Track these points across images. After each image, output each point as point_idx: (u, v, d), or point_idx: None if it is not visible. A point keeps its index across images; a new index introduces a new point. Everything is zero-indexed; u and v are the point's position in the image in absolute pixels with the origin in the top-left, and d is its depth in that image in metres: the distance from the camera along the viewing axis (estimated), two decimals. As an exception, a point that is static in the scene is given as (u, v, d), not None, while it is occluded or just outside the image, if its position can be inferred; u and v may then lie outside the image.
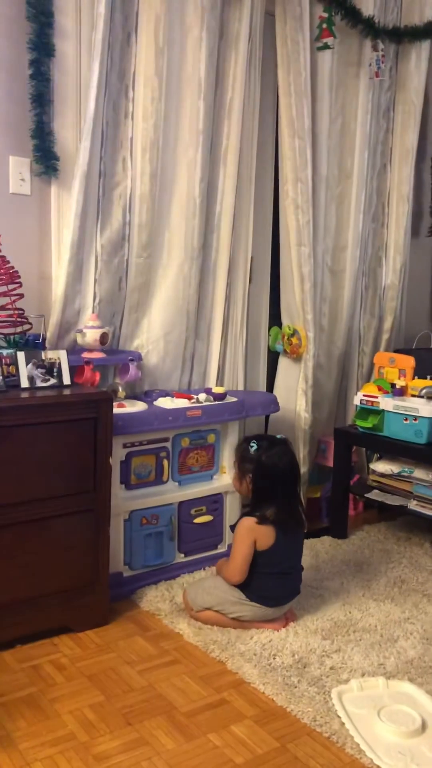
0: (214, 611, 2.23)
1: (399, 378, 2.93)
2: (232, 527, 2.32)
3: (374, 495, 3.03)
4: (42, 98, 2.37)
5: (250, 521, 2.22)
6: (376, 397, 2.87)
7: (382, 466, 3.00)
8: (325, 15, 2.90)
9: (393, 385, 2.90)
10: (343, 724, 1.78)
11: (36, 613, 2.11)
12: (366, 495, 3.06)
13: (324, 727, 1.78)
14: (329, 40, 2.91)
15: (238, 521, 2.28)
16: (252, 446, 2.26)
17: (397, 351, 3.30)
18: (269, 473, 2.23)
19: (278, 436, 2.34)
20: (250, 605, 2.21)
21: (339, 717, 1.81)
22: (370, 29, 3.11)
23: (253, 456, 2.25)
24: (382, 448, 3.05)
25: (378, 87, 3.28)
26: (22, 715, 1.80)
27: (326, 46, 2.93)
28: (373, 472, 3.07)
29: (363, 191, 3.28)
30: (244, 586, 2.22)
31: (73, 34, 2.41)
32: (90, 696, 1.89)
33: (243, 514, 2.30)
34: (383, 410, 2.84)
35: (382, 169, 3.43)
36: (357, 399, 2.95)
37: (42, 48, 2.34)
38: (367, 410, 2.91)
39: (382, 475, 3.01)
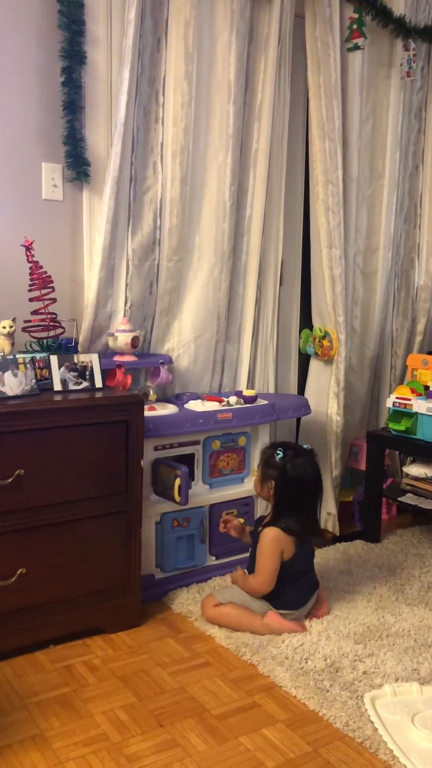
0: (239, 603, 2.24)
1: (432, 380, 2.90)
2: (253, 534, 2.32)
3: (408, 499, 2.99)
4: (73, 105, 2.41)
5: (276, 531, 2.21)
6: (410, 400, 2.84)
7: (415, 470, 2.96)
8: (356, 16, 2.88)
9: (426, 388, 2.87)
10: (376, 729, 1.76)
11: (69, 614, 2.13)
12: (399, 499, 3.03)
13: (357, 733, 1.76)
14: (359, 41, 2.89)
15: (259, 530, 2.28)
16: (278, 454, 2.24)
17: (430, 353, 3.26)
18: (293, 483, 2.23)
19: (305, 446, 2.34)
20: (277, 612, 2.23)
21: (372, 722, 1.79)
22: (401, 29, 3.08)
23: (278, 463, 2.24)
24: (415, 451, 3.01)
25: (409, 87, 3.24)
26: (55, 714, 1.82)
27: (356, 47, 2.91)
28: (407, 475, 3.03)
29: (395, 192, 3.25)
30: (267, 597, 2.24)
31: (103, 41, 2.44)
32: (122, 697, 1.90)
33: (265, 524, 2.29)
34: (417, 413, 2.81)
35: (414, 170, 3.40)
36: (390, 401, 2.92)
37: (73, 56, 2.37)
38: (400, 413, 2.88)
39: (416, 478, 2.97)
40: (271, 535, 2.21)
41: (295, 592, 2.25)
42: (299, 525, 2.22)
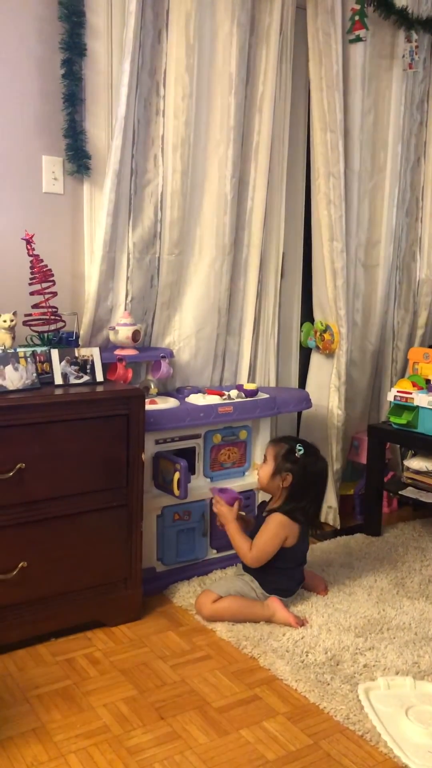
0: (237, 595, 2.29)
1: (434, 374, 2.89)
2: (258, 519, 2.37)
3: (408, 492, 2.99)
4: (74, 97, 2.39)
5: (284, 517, 2.28)
6: (411, 393, 2.83)
7: (416, 463, 2.96)
8: (358, 7, 2.86)
9: (428, 381, 2.87)
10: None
11: (70, 607, 2.14)
12: (400, 492, 3.02)
13: (357, 725, 1.77)
14: (361, 33, 2.87)
15: (265, 515, 2.33)
16: (299, 450, 2.32)
17: (431, 346, 3.26)
18: (310, 479, 2.32)
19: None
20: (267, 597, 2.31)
21: (366, 712, 1.79)
22: (404, 20, 3.07)
23: (298, 459, 2.31)
24: (416, 445, 3.01)
25: (411, 79, 3.23)
26: (57, 707, 1.83)
27: (358, 39, 2.89)
28: (408, 469, 3.03)
29: (396, 185, 3.24)
30: (261, 577, 2.31)
31: (104, 33, 2.42)
32: (123, 690, 1.91)
33: (272, 510, 2.33)
34: (418, 406, 2.81)
35: (416, 163, 3.38)
36: (391, 395, 2.92)
37: (74, 48, 2.36)
38: (402, 406, 2.87)
39: (417, 472, 2.97)
40: (279, 519, 2.28)
41: (289, 582, 2.34)
42: (305, 515, 2.31)
